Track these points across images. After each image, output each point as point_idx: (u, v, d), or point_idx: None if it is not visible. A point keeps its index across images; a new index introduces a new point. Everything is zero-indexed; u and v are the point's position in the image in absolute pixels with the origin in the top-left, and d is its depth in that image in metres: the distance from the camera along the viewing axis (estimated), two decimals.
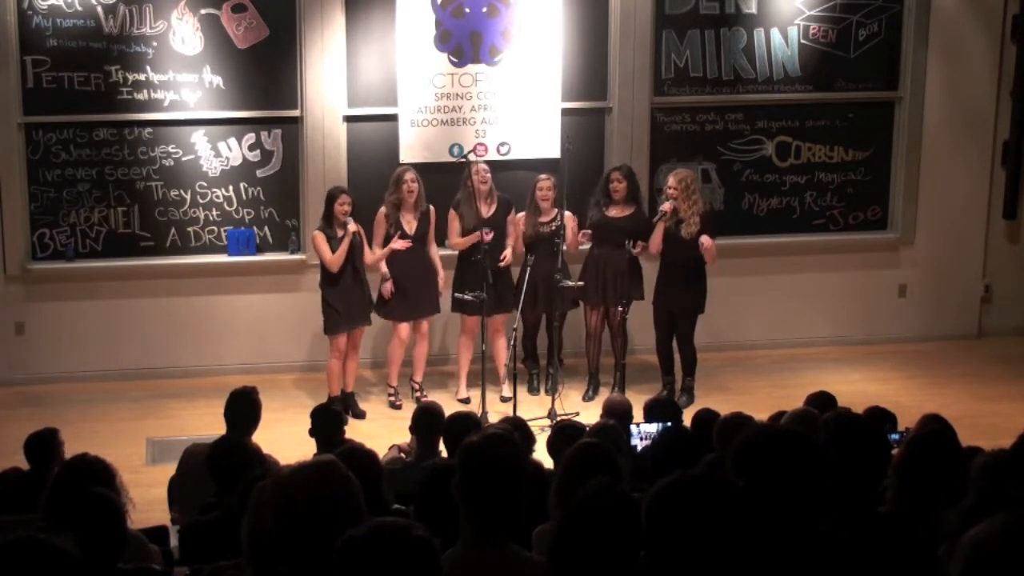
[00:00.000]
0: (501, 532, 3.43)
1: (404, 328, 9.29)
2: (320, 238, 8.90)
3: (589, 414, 8.25)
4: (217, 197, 9.86)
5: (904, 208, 10.84)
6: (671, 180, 9.17)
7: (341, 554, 2.49)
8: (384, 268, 9.12)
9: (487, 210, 9.20)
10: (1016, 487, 3.59)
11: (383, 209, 9.14)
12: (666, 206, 9.10)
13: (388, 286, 9.12)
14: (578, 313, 9.78)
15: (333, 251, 8.86)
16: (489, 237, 9.00)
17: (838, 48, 10.51)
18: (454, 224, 9.28)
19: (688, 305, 9.21)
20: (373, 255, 9.10)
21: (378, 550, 2.48)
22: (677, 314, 9.26)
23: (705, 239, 8.96)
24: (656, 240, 9.14)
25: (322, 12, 9.68)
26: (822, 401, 6.42)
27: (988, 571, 2.04)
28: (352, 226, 8.84)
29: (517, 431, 5.61)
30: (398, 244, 9.03)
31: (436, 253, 9.31)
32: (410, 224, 9.16)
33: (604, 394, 9.06)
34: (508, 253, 9.28)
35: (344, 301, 8.99)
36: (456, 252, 9.33)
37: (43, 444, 5.95)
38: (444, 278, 9.30)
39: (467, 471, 3.45)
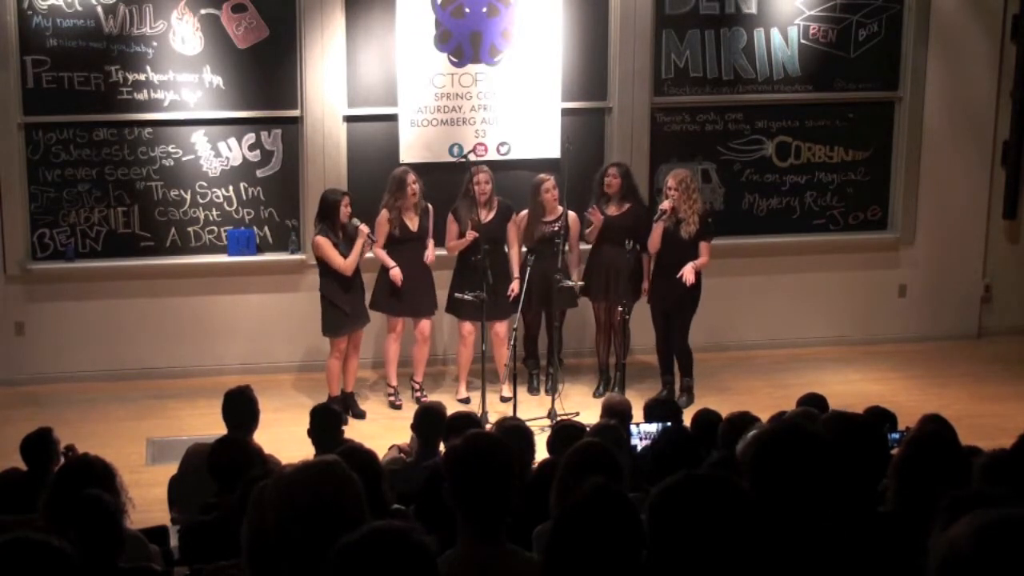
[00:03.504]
0: (496, 531, 3.43)
1: (398, 323, 9.29)
2: (328, 244, 8.87)
3: (589, 414, 8.25)
4: (217, 197, 9.86)
5: (904, 208, 10.84)
6: (670, 181, 9.16)
7: (336, 560, 2.49)
8: (388, 260, 9.11)
9: (486, 216, 9.19)
10: (1003, 487, 3.58)
11: (385, 212, 9.12)
12: (665, 204, 9.10)
13: (396, 273, 9.08)
14: (579, 313, 9.80)
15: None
16: (472, 236, 9.02)
17: (838, 48, 10.51)
18: (452, 228, 9.28)
19: (682, 305, 9.20)
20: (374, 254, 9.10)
21: (373, 556, 2.47)
22: (672, 313, 9.27)
23: (688, 273, 8.95)
24: (655, 239, 9.14)
25: (322, 12, 9.68)
26: (812, 404, 6.40)
27: (962, 571, 2.03)
28: (364, 228, 8.86)
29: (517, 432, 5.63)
30: (394, 275, 9.06)
31: (432, 250, 9.29)
32: (413, 222, 9.16)
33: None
34: (515, 265, 9.27)
35: (351, 303, 9.00)
36: (454, 253, 9.34)
37: (39, 444, 5.96)
38: (432, 256, 9.23)
39: (453, 474, 3.47)
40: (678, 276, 8.99)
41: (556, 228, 9.21)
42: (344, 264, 8.87)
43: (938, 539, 2.12)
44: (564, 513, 2.96)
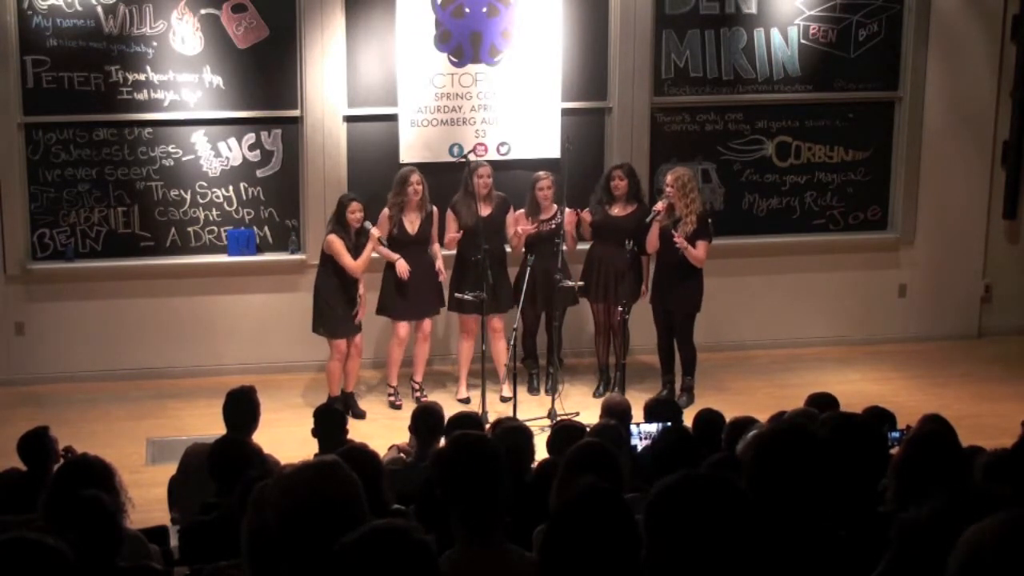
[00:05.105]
0: (491, 531, 3.44)
1: (403, 327, 9.29)
2: (339, 243, 8.86)
3: (589, 414, 8.25)
4: (217, 197, 9.86)
5: (904, 208, 10.84)
6: (668, 179, 9.16)
7: (336, 559, 2.49)
8: (392, 254, 9.09)
9: (486, 210, 9.20)
10: (1005, 486, 3.58)
11: (387, 210, 9.13)
12: (659, 205, 9.09)
13: (402, 264, 9.06)
14: (579, 312, 9.80)
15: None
16: (458, 235, 9.08)
17: (838, 48, 10.50)
18: (450, 223, 9.29)
19: (684, 305, 9.21)
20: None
21: (373, 555, 2.47)
22: (674, 313, 9.27)
23: (679, 240, 8.92)
24: (652, 239, 9.14)
25: (322, 12, 9.68)
26: (822, 402, 6.40)
27: (986, 571, 2.03)
28: (375, 231, 8.87)
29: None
30: (401, 269, 9.03)
31: (438, 251, 9.30)
32: (412, 224, 9.16)
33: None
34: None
35: (343, 307, 8.99)
36: (454, 252, 9.34)
37: (35, 443, 5.96)
38: (443, 271, 9.29)
39: (441, 477, 3.48)
40: (673, 238, 8.91)
41: (553, 227, 9.22)
42: (353, 264, 8.87)
43: (960, 538, 2.11)
44: (556, 513, 2.96)
